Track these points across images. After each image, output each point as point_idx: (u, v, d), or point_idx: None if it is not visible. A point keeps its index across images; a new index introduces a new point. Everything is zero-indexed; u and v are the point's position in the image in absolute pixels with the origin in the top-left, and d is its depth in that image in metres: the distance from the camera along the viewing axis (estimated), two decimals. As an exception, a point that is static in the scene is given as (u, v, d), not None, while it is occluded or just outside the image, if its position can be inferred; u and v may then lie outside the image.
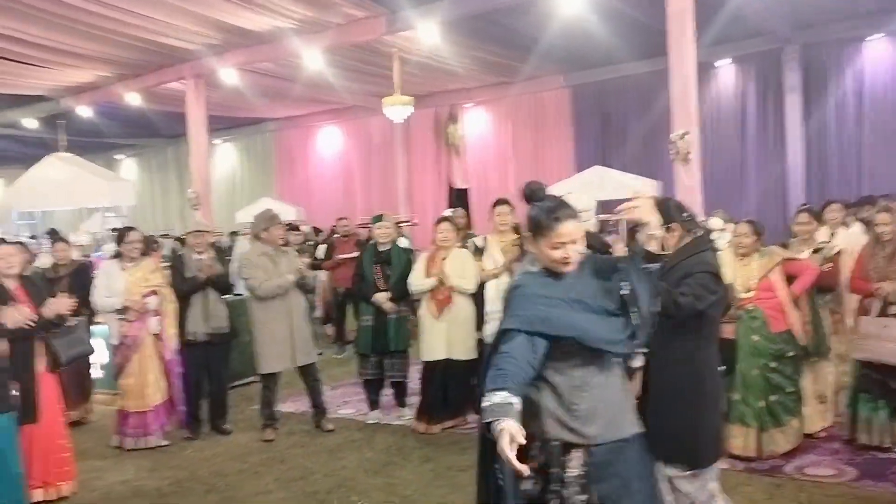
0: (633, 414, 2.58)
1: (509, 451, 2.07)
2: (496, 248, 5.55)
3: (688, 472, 3.09)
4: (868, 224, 5.31)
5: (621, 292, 2.44)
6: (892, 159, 11.87)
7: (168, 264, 6.22)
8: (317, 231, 13.54)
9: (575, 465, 2.44)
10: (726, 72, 13.41)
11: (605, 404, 2.48)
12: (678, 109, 8.47)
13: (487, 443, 2.34)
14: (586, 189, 12.22)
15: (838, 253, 5.18)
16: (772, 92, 12.89)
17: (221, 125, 18.19)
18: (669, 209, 3.25)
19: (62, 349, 4.54)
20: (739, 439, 4.75)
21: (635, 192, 2.85)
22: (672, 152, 8.55)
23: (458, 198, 16.24)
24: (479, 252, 5.72)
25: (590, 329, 2.40)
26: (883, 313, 4.73)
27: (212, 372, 5.97)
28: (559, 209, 2.47)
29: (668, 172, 11.85)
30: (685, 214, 3.32)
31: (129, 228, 5.94)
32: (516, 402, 2.22)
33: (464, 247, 5.98)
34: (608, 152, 14.56)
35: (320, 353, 8.49)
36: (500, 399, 2.19)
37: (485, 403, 2.21)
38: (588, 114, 14.85)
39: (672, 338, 3.02)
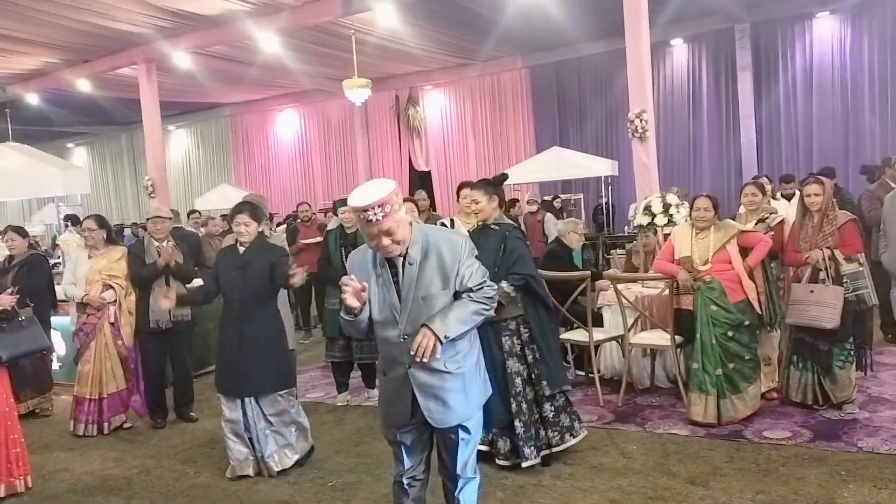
0: None
1: None
2: (463, 230, 5.61)
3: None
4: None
5: None
6: (837, 133, 12.26)
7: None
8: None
9: None
10: (680, 51, 13.62)
11: None
12: (634, 89, 8.61)
13: None
14: (545, 170, 12.36)
15: (781, 222, 5.34)
16: (724, 70, 13.16)
17: (175, 111, 17.84)
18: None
19: (5, 346, 4.30)
20: (699, 406, 4.87)
21: None
22: (629, 131, 8.70)
23: (420, 180, 16.24)
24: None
25: None
26: (813, 279, 4.92)
27: (175, 359, 5.92)
28: None
29: (625, 151, 12.06)
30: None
31: (94, 217, 5.87)
32: None
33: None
34: (566, 132, 14.72)
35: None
36: None
37: None
38: (546, 94, 14.96)
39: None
